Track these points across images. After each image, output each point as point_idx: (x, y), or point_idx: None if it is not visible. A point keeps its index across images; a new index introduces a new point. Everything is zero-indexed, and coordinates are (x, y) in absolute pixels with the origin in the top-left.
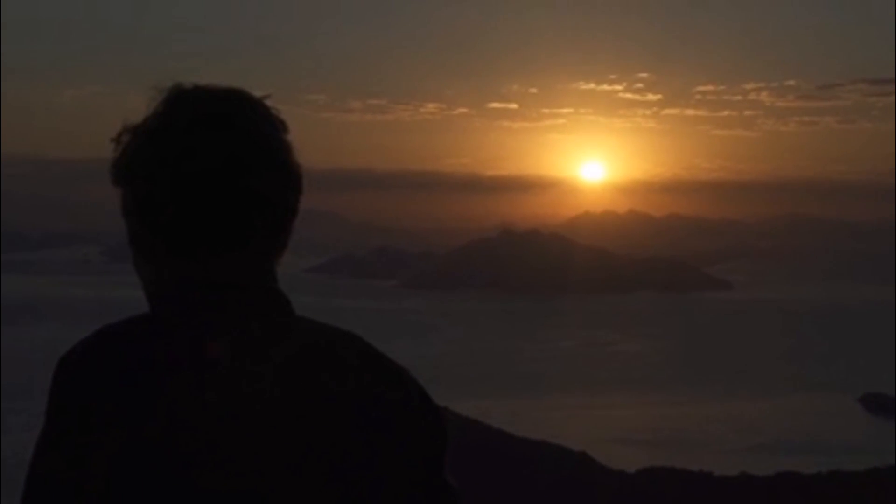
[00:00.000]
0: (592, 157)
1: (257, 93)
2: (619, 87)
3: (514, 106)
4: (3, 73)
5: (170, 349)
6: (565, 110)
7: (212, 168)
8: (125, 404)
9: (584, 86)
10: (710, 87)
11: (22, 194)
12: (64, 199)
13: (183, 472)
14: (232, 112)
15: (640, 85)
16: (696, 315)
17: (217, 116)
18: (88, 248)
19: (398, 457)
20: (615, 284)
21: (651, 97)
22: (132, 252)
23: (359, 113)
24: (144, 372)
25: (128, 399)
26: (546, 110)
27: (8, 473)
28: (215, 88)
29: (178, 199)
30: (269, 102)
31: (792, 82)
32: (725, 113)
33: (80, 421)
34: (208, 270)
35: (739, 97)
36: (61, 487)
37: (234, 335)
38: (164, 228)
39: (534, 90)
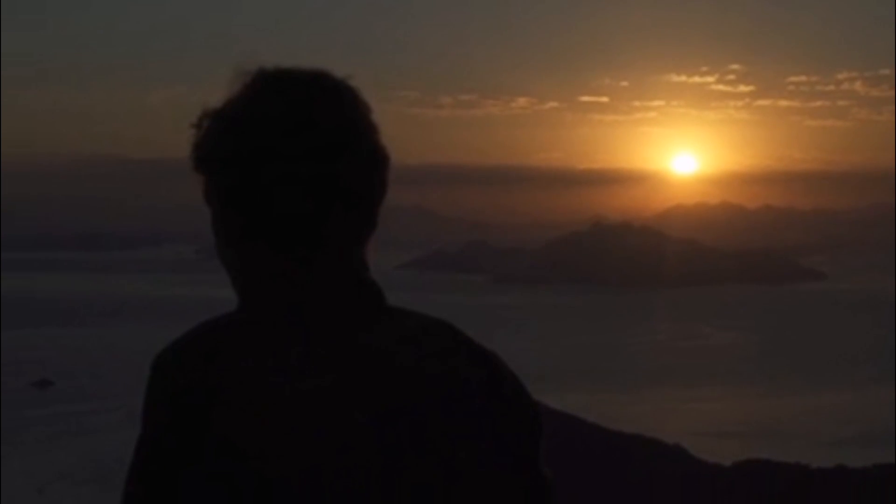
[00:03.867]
0: (684, 149)
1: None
2: (710, 79)
3: (605, 99)
4: (88, 76)
5: (264, 345)
6: (656, 103)
7: (297, 155)
8: (220, 401)
9: (675, 78)
10: (802, 78)
11: (112, 196)
12: (156, 199)
13: (275, 467)
14: (317, 97)
15: (731, 76)
16: (790, 307)
17: (302, 101)
18: (183, 247)
19: (492, 445)
20: (708, 277)
21: (743, 88)
22: (215, 238)
23: (449, 108)
24: (239, 368)
25: (223, 396)
26: (637, 103)
27: (107, 471)
28: (300, 72)
29: (263, 186)
30: (351, 83)
31: (886, 71)
32: (818, 103)
33: (175, 418)
34: (298, 260)
35: (832, 87)
36: (159, 485)
37: (326, 327)
38: (248, 216)
39: (625, 83)
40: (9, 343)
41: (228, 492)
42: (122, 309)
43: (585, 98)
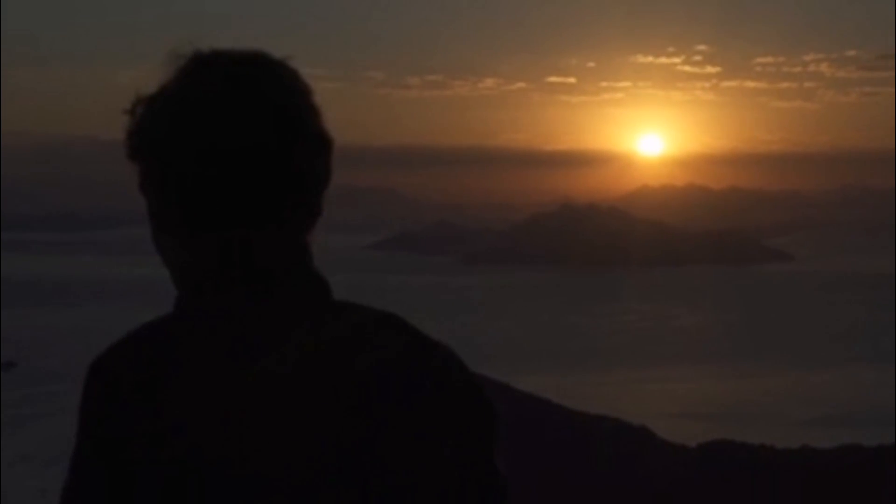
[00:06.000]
0: (651, 130)
1: (284, 55)
2: (677, 60)
3: (572, 80)
4: (53, 56)
5: (213, 340)
6: (623, 84)
7: (235, 140)
8: (153, 411)
9: (642, 59)
10: (769, 59)
11: (78, 175)
12: (125, 180)
13: (210, 476)
14: (255, 79)
15: (698, 57)
16: (757, 288)
17: (239, 85)
18: (147, 228)
19: (442, 442)
20: (674, 258)
21: (710, 69)
22: (151, 227)
23: (416, 89)
24: (174, 376)
25: (157, 405)
26: (604, 84)
27: (70, 453)
28: (235, 53)
29: (201, 174)
30: (290, 64)
31: (852, 53)
32: (785, 85)
33: (108, 428)
34: (239, 251)
35: (799, 68)
36: (90, 494)
37: (267, 328)
38: (186, 206)
39: (591, 64)
40: None
41: (173, 488)
42: (91, 290)
43: (553, 79)
